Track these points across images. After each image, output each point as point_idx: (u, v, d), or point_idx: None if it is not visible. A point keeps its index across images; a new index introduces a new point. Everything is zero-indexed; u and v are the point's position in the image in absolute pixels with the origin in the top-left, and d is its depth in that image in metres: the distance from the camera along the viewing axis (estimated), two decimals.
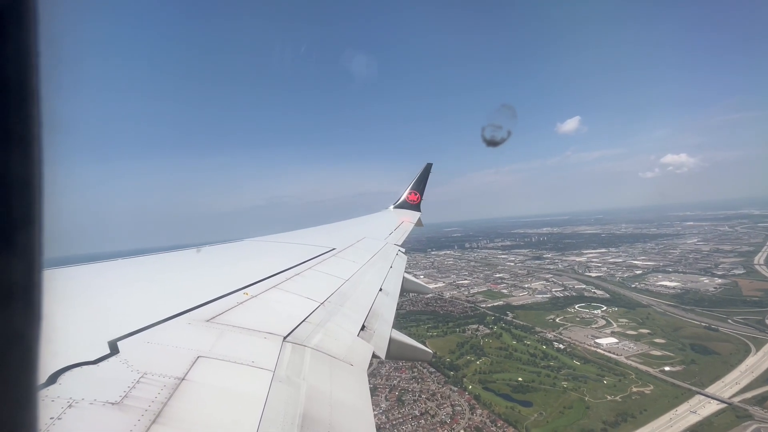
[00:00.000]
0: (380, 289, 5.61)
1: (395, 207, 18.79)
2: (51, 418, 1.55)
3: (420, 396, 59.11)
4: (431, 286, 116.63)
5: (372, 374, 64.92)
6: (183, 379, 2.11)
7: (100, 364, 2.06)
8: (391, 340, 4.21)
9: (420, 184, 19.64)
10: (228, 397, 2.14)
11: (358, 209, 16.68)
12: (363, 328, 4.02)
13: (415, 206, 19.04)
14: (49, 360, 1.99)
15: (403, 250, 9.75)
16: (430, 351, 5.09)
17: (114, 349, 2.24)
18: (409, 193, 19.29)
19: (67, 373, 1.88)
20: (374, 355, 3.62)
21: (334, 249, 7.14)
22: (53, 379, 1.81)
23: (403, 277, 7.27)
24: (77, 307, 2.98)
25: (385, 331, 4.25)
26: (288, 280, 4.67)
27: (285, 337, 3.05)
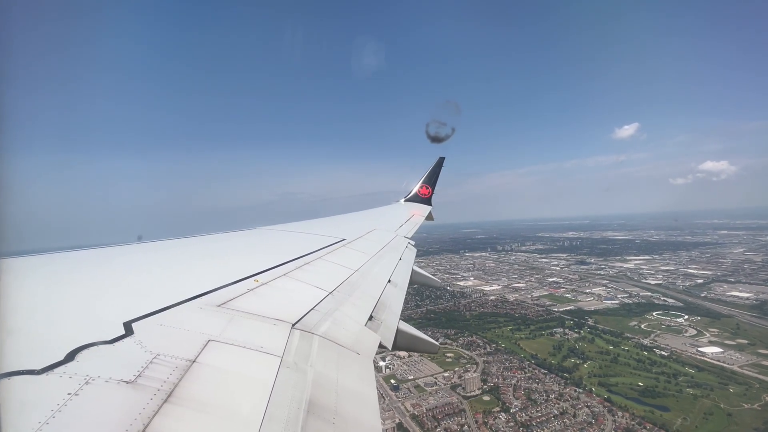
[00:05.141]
0: (389, 281, 5.63)
1: (406, 200, 18.73)
2: (69, 394, 1.62)
3: (549, 396, 60.72)
4: (486, 288, 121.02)
5: (484, 372, 68.37)
6: (194, 361, 2.17)
7: (116, 344, 2.13)
8: (398, 331, 4.23)
9: (432, 178, 19.49)
10: (237, 381, 2.19)
11: (370, 207, 16.67)
12: (371, 318, 4.06)
13: (426, 200, 18.94)
14: (66, 338, 2.07)
15: (413, 242, 9.74)
16: (437, 343, 5.11)
17: (129, 330, 2.31)
18: (421, 187, 19.18)
19: (85, 352, 1.96)
20: (381, 345, 3.65)
21: (344, 240, 7.18)
22: (71, 356, 1.88)
23: (412, 270, 7.28)
24: (94, 289, 3.08)
25: (392, 322, 4.27)
26: (298, 269, 4.72)
27: (293, 325, 3.10)
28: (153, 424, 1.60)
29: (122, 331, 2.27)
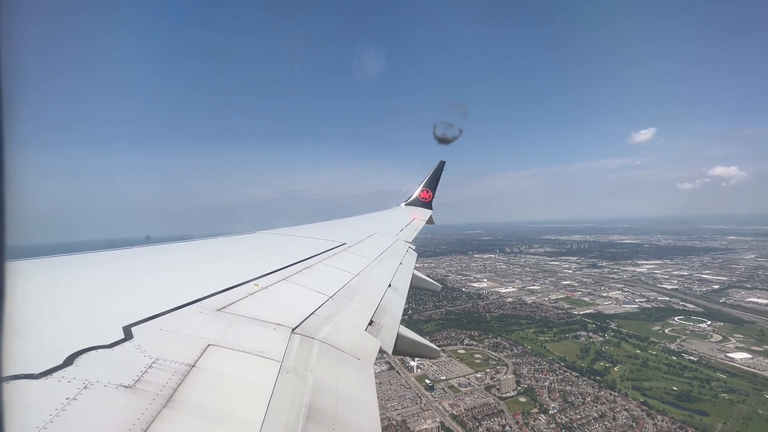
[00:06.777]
0: (389, 285, 5.62)
1: (407, 204, 18.74)
2: (67, 399, 1.61)
3: (585, 399, 61.11)
4: (501, 290, 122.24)
5: (515, 373, 69.23)
6: (193, 366, 2.16)
7: (115, 348, 2.12)
8: (399, 336, 4.22)
9: (432, 182, 19.52)
10: (236, 386, 2.18)
11: (373, 207, 16.67)
12: (371, 323, 4.04)
13: (427, 204, 18.95)
14: (64, 342, 2.06)
15: (414, 246, 9.73)
16: (437, 348, 5.08)
17: (128, 334, 2.30)
18: (422, 191, 19.21)
19: (84, 356, 1.95)
20: (381, 350, 3.63)
21: (344, 244, 7.18)
22: (70, 360, 1.87)
23: (413, 274, 7.27)
24: (94, 293, 3.07)
25: (392, 326, 4.26)
26: (298, 273, 4.71)
27: (293, 329, 3.09)
28: (152, 429, 1.59)
29: (121, 335, 2.26)
